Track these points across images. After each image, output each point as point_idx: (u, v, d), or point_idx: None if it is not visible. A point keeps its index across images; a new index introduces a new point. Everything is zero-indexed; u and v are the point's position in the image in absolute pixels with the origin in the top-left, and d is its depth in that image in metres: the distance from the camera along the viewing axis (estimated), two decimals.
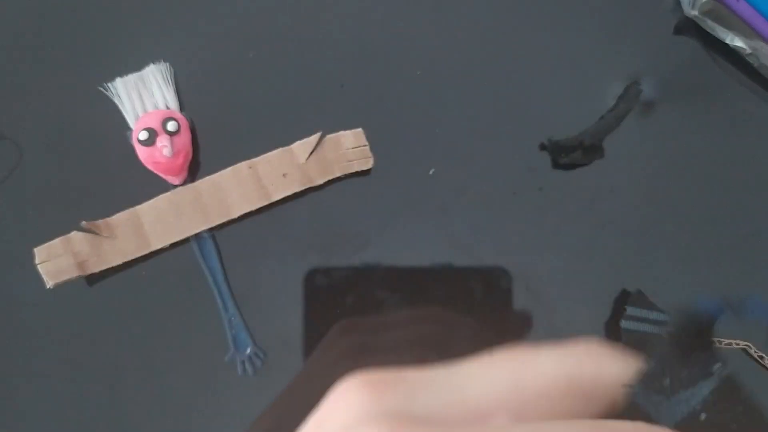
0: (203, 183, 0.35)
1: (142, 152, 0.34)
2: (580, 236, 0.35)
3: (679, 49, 0.37)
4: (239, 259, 0.35)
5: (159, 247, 0.34)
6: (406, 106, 0.37)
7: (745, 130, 0.37)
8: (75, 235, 0.33)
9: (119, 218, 0.34)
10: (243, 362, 0.34)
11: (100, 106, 0.35)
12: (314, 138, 0.35)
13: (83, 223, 0.33)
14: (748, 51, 0.35)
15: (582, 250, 0.35)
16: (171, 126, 0.34)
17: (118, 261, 0.33)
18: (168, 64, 0.36)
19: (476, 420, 0.13)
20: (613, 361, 0.14)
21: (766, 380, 0.33)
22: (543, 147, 0.36)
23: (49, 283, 0.32)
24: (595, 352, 0.14)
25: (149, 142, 0.33)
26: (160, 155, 0.33)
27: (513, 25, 0.38)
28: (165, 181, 0.35)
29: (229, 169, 0.35)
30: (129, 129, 0.35)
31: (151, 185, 0.35)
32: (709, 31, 0.36)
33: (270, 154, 0.35)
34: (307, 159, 0.35)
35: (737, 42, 0.35)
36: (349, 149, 0.35)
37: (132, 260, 0.34)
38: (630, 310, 0.33)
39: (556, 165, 0.36)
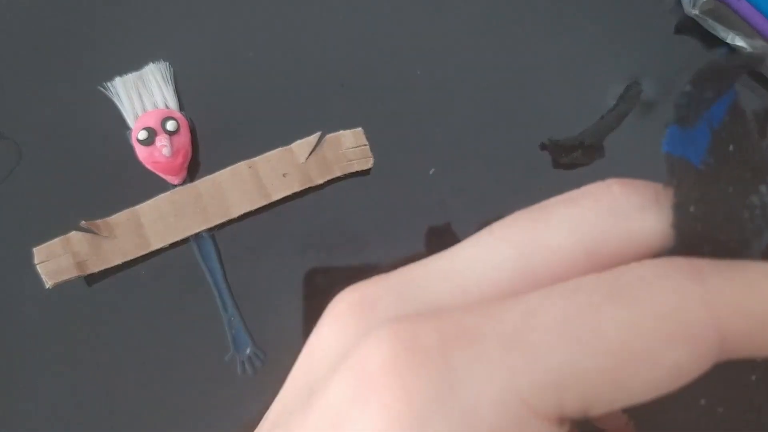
0: (203, 183, 0.35)
1: (141, 152, 0.34)
2: None
3: (680, 48, 0.37)
4: (239, 259, 0.35)
5: (158, 246, 0.34)
6: (406, 106, 0.37)
7: None
8: (74, 235, 0.33)
9: (119, 218, 0.34)
10: (243, 362, 0.34)
11: (99, 106, 0.35)
12: (314, 138, 0.35)
13: (82, 222, 0.33)
14: (749, 50, 0.35)
15: None
16: (170, 125, 0.34)
17: (117, 261, 0.33)
18: (167, 63, 0.36)
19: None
20: (643, 211, 0.11)
21: None
22: (543, 147, 0.36)
23: (48, 283, 0.32)
24: (618, 203, 0.11)
25: (148, 141, 0.33)
26: (159, 155, 0.33)
27: (513, 25, 0.38)
28: (164, 181, 0.35)
29: (229, 168, 0.35)
30: (128, 128, 0.35)
31: (150, 185, 0.35)
32: (709, 30, 0.36)
33: (270, 153, 0.35)
34: (307, 159, 0.35)
35: (738, 41, 0.35)
36: (349, 149, 0.35)
37: (131, 260, 0.34)
38: None
39: (557, 165, 0.36)
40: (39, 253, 0.33)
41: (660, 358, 0.10)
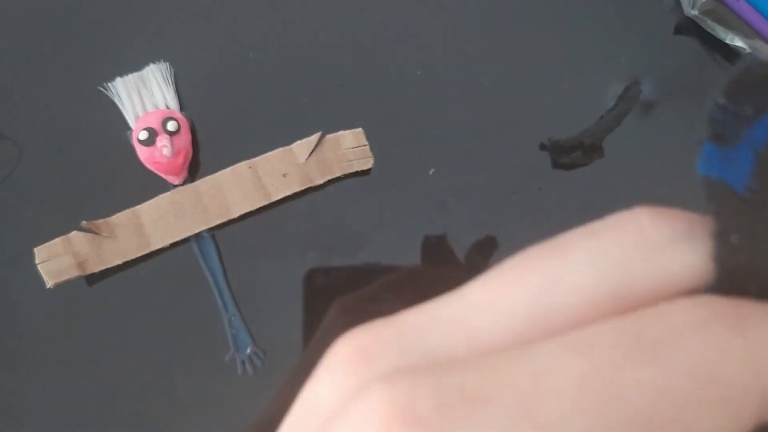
0: (203, 183, 0.35)
1: (142, 152, 0.34)
2: None
3: (679, 48, 0.37)
4: (239, 258, 0.35)
5: (159, 246, 0.34)
6: (406, 106, 0.37)
7: None
8: (75, 235, 0.33)
9: (119, 218, 0.34)
10: (243, 362, 0.34)
11: (100, 106, 0.35)
12: (314, 138, 0.35)
13: (83, 222, 0.33)
14: (748, 51, 0.35)
15: None
16: (171, 126, 0.34)
17: (118, 261, 0.34)
18: (168, 64, 0.36)
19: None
20: (675, 244, 0.10)
21: None
22: (543, 147, 0.36)
23: (49, 283, 0.32)
24: (647, 236, 0.10)
25: (149, 141, 0.33)
26: (160, 155, 0.33)
27: (513, 25, 0.38)
28: (165, 181, 0.35)
29: (229, 168, 0.35)
30: (129, 129, 0.35)
31: (151, 185, 0.35)
32: (709, 30, 0.36)
33: (270, 153, 0.35)
34: (307, 159, 0.35)
35: (737, 42, 0.35)
36: (349, 149, 0.35)
37: (132, 260, 0.34)
38: None
39: (556, 165, 0.36)
40: (40, 253, 0.33)
41: (693, 426, 0.08)
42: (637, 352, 0.09)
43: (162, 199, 0.34)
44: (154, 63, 0.36)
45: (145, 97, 0.35)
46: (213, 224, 0.34)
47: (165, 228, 0.34)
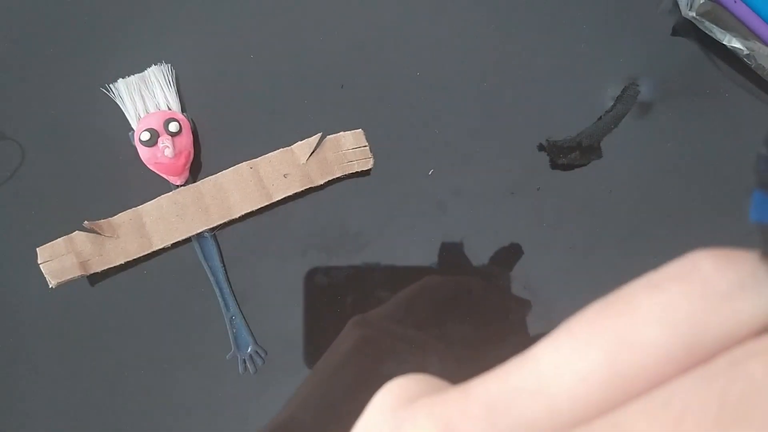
0: (205, 183, 0.35)
1: (144, 153, 0.34)
2: (578, 236, 0.36)
3: (677, 50, 0.38)
4: (240, 258, 0.35)
5: (161, 246, 0.34)
6: (406, 107, 0.37)
7: (742, 130, 0.37)
8: (77, 235, 0.34)
9: (121, 218, 0.34)
10: (244, 361, 0.34)
11: (102, 107, 0.36)
12: (315, 138, 0.35)
13: (86, 222, 0.33)
14: (746, 52, 0.36)
15: (580, 250, 0.36)
16: (173, 127, 0.34)
17: (120, 260, 0.34)
18: (170, 65, 0.36)
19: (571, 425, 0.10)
20: (743, 289, 0.10)
21: None
22: (541, 148, 0.36)
23: (52, 283, 0.33)
24: (713, 284, 0.10)
25: (151, 142, 0.34)
26: (161, 156, 0.34)
27: (511, 26, 0.38)
28: (167, 182, 0.35)
29: (231, 169, 0.35)
30: (131, 130, 0.35)
31: (152, 185, 0.35)
32: (706, 32, 0.36)
33: (271, 154, 0.35)
34: (307, 159, 0.35)
35: (735, 43, 0.36)
36: (349, 150, 0.36)
37: (134, 260, 0.34)
38: None
39: (555, 166, 0.36)
40: (42, 252, 0.33)
41: None
42: (726, 418, 0.08)
43: (164, 200, 0.35)
44: (155, 64, 0.36)
45: (147, 98, 0.35)
46: (214, 224, 0.34)
47: (167, 228, 0.34)
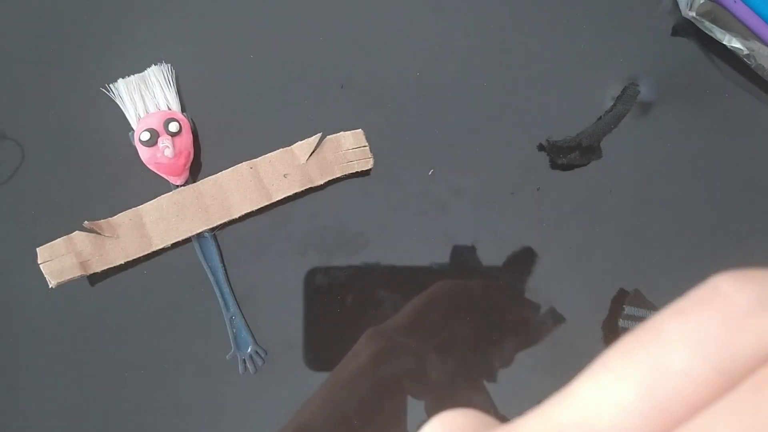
0: (204, 183, 0.35)
1: (143, 153, 0.34)
2: (578, 236, 0.36)
3: (677, 50, 0.38)
4: (240, 258, 0.35)
5: (161, 246, 0.34)
6: (406, 107, 0.37)
7: (742, 130, 0.37)
8: (77, 235, 0.34)
9: (121, 218, 0.34)
10: (244, 361, 0.34)
11: (101, 107, 0.36)
12: (314, 138, 0.35)
13: (86, 222, 0.33)
14: (746, 52, 0.36)
15: (580, 250, 0.36)
16: (173, 127, 0.34)
17: (120, 260, 0.34)
18: (169, 65, 0.36)
19: None
20: (764, 306, 0.10)
21: None
22: (541, 148, 0.36)
23: (52, 283, 0.33)
24: (735, 304, 0.10)
25: (151, 142, 0.34)
26: (161, 156, 0.34)
27: (511, 26, 0.38)
28: (167, 182, 0.35)
29: (230, 169, 0.35)
30: (131, 130, 0.35)
31: (152, 185, 0.35)
32: (706, 32, 0.36)
33: (271, 154, 0.35)
34: (307, 159, 0.35)
35: (735, 43, 0.36)
36: (349, 150, 0.36)
37: (134, 260, 0.34)
38: (628, 310, 0.34)
39: (554, 166, 0.36)
40: (42, 252, 0.33)
41: None
42: None
43: (163, 200, 0.35)
44: (155, 64, 0.36)
45: (147, 98, 0.35)
46: (214, 224, 0.34)
47: (167, 228, 0.34)
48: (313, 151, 0.35)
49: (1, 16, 0.38)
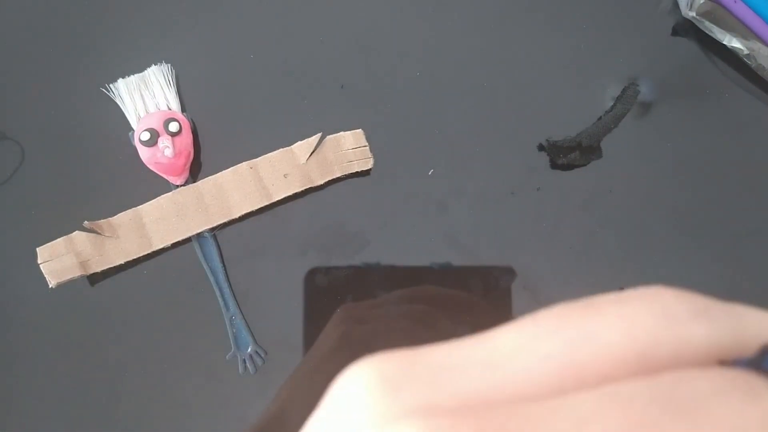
0: (204, 183, 0.35)
1: (143, 153, 0.34)
2: (578, 236, 0.36)
3: (677, 50, 0.38)
4: (240, 258, 0.35)
5: (161, 246, 0.34)
6: (406, 107, 0.37)
7: (742, 130, 0.37)
8: (77, 235, 0.34)
9: (121, 218, 0.34)
10: (244, 361, 0.34)
11: (102, 107, 0.36)
12: (314, 138, 0.35)
13: (85, 222, 0.33)
14: (746, 52, 0.36)
15: (580, 250, 0.36)
16: (173, 127, 0.34)
17: (120, 260, 0.34)
18: (169, 65, 0.36)
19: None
20: (696, 319, 0.11)
21: None
22: (541, 148, 0.36)
23: (52, 283, 0.33)
24: (672, 309, 0.11)
25: (151, 142, 0.34)
26: (161, 156, 0.34)
27: (511, 26, 0.38)
28: (167, 182, 0.35)
29: (230, 169, 0.35)
30: (131, 130, 0.35)
31: (152, 185, 0.35)
32: (706, 32, 0.36)
33: (271, 154, 0.35)
34: (307, 159, 0.35)
35: (735, 43, 0.36)
36: (349, 150, 0.36)
37: (134, 260, 0.34)
38: None
39: (554, 166, 0.36)
40: (42, 252, 0.33)
41: None
42: (672, 410, 0.09)
43: (164, 200, 0.35)
44: (155, 64, 0.36)
45: (147, 98, 0.35)
46: (214, 224, 0.34)
47: (166, 228, 0.34)
48: (313, 151, 0.35)
49: (2, 16, 0.38)
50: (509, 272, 0.35)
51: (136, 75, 0.36)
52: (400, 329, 0.31)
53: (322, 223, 0.35)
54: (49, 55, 0.37)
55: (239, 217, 0.35)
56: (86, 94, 0.36)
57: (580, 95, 0.37)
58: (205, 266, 0.34)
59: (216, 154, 0.36)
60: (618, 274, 0.35)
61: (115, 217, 0.34)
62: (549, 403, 0.10)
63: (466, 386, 0.10)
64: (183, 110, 0.36)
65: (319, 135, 0.35)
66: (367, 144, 0.36)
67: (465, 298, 0.35)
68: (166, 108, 0.35)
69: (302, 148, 0.35)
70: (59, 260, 0.33)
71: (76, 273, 0.33)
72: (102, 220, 0.34)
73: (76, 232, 0.34)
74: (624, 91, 0.36)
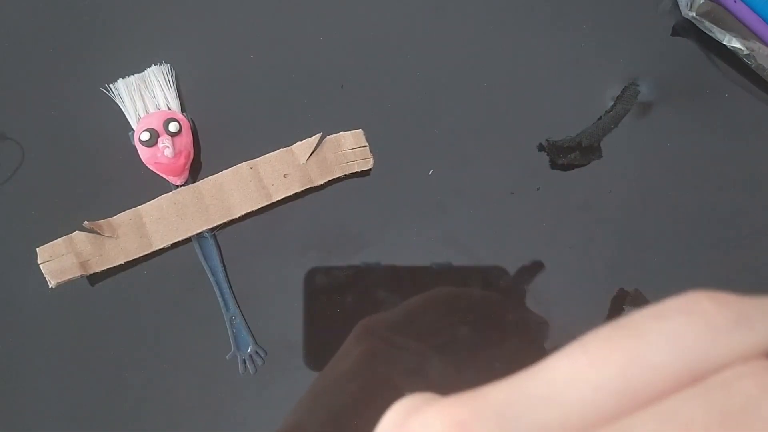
0: (204, 183, 0.35)
1: (143, 153, 0.34)
2: (578, 236, 0.36)
3: (677, 50, 0.38)
4: (240, 258, 0.35)
5: (161, 246, 0.34)
6: (406, 107, 0.37)
7: (742, 130, 0.37)
8: (77, 235, 0.34)
9: (121, 218, 0.34)
10: (244, 361, 0.34)
11: (101, 107, 0.36)
12: (314, 139, 0.35)
13: (86, 222, 0.33)
14: (746, 52, 0.36)
15: (580, 250, 0.36)
16: (172, 127, 0.34)
17: (120, 260, 0.34)
18: (169, 65, 0.36)
19: None
20: (738, 326, 0.11)
21: None
22: (541, 148, 0.36)
23: (52, 283, 0.33)
24: (713, 319, 0.11)
25: (151, 142, 0.34)
26: (161, 156, 0.34)
27: (511, 26, 0.38)
28: (167, 182, 0.35)
29: (230, 169, 0.35)
30: (131, 130, 0.35)
31: (152, 185, 0.35)
32: (706, 32, 0.36)
33: (271, 154, 0.35)
34: (307, 159, 0.35)
35: (735, 43, 0.36)
36: (349, 150, 0.36)
37: (134, 260, 0.34)
38: (628, 310, 0.34)
39: (554, 166, 0.36)
40: (42, 252, 0.33)
41: None
42: (730, 425, 0.10)
43: (164, 200, 0.35)
44: (155, 64, 0.36)
45: (147, 98, 0.35)
46: (214, 224, 0.34)
47: (167, 228, 0.34)
48: (313, 151, 0.35)
49: (2, 16, 0.38)
50: (508, 272, 0.35)
51: (136, 75, 0.36)
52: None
53: (322, 223, 0.35)
54: (49, 55, 0.37)
55: (239, 217, 0.35)
56: (86, 94, 0.36)
57: (580, 95, 0.37)
58: (205, 266, 0.34)
59: (216, 154, 0.36)
60: (618, 274, 0.35)
61: (115, 217, 0.34)
62: (611, 429, 0.10)
63: (532, 422, 0.11)
64: (183, 110, 0.36)
65: (319, 135, 0.35)
66: (367, 144, 0.36)
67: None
68: (166, 108, 0.35)
69: (302, 148, 0.35)
70: (59, 260, 0.33)
71: (76, 273, 0.33)
72: (102, 220, 0.34)
73: (76, 232, 0.34)
74: (624, 91, 0.36)
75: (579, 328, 0.36)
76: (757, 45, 0.36)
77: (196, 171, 0.36)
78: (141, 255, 0.34)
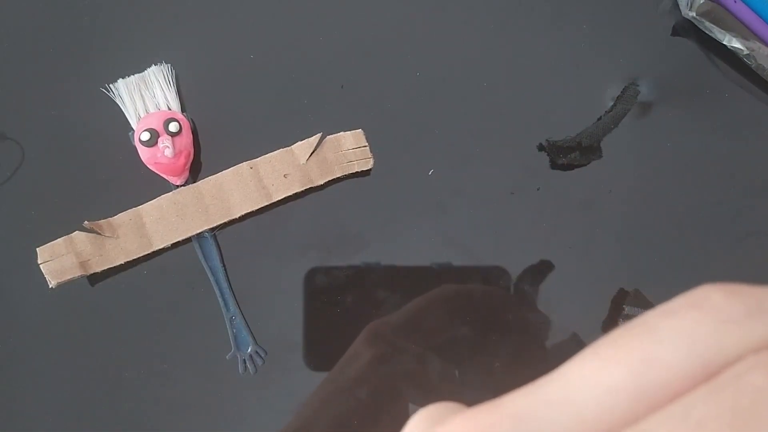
0: (205, 183, 0.35)
1: (143, 153, 0.34)
2: (578, 236, 0.36)
3: (677, 50, 0.38)
4: (240, 258, 0.35)
5: (161, 246, 0.34)
6: (406, 107, 0.37)
7: (742, 130, 0.37)
8: (77, 235, 0.34)
9: (121, 218, 0.34)
10: (244, 361, 0.34)
11: (101, 107, 0.36)
12: (315, 139, 0.35)
13: (86, 223, 0.33)
14: (746, 52, 0.36)
15: (580, 250, 0.36)
16: (173, 127, 0.34)
17: (120, 260, 0.34)
18: (170, 65, 0.36)
19: None
20: (751, 319, 0.11)
21: None
22: (541, 148, 0.36)
23: (52, 283, 0.33)
24: (724, 313, 0.11)
25: (151, 142, 0.34)
26: (161, 156, 0.34)
27: (511, 26, 0.38)
28: (167, 182, 0.35)
29: (231, 169, 0.35)
30: (131, 130, 0.35)
31: (152, 186, 0.35)
32: (706, 32, 0.36)
33: (271, 154, 0.35)
34: (307, 159, 0.35)
35: (735, 43, 0.36)
36: (349, 150, 0.36)
37: (134, 260, 0.34)
38: (628, 310, 0.34)
39: (554, 166, 0.36)
40: (42, 252, 0.33)
41: None
42: (740, 423, 0.10)
43: (164, 200, 0.35)
44: (155, 64, 0.36)
45: (147, 98, 0.35)
46: (214, 224, 0.34)
47: (167, 228, 0.34)
48: (313, 151, 0.35)
49: (2, 16, 0.38)
50: (507, 273, 0.35)
51: (136, 75, 0.36)
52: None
53: (322, 223, 0.35)
54: (49, 55, 0.37)
55: (239, 217, 0.35)
56: (86, 94, 0.36)
57: (580, 95, 0.37)
58: (205, 266, 0.34)
59: (216, 154, 0.36)
60: (618, 274, 0.35)
61: (115, 217, 0.34)
62: None
63: (546, 428, 0.11)
64: (183, 110, 0.36)
65: (319, 135, 0.35)
66: (367, 144, 0.36)
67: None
68: (166, 108, 0.35)
69: (302, 148, 0.35)
70: (59, 260, 0.33)
71: (76, 273, 0.33)
72: (102, 220, 0.34)
73: (76, 232, 0.34)
74: (624, 91, 0.36)
75: (579, 328, 0.37)
76: (757, 45, 0.36)
77: (196, 171, 0.36)
78: (141, 255, 0.34)
